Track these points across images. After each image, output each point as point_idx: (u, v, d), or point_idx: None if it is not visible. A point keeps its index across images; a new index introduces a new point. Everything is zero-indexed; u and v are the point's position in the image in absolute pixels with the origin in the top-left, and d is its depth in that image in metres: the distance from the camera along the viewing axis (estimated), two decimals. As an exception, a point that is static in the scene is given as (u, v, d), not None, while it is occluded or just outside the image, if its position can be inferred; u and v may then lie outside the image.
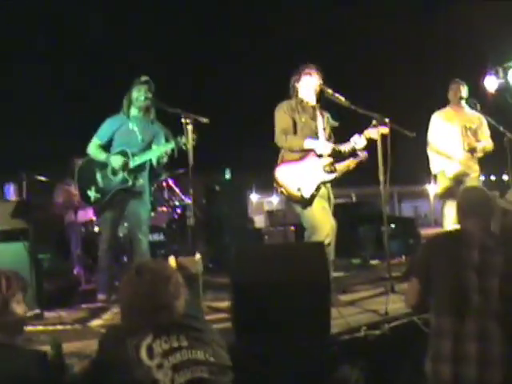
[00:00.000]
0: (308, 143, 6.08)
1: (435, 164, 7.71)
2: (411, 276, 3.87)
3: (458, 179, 7.51)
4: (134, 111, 6.41)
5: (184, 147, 5.79)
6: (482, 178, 7.74)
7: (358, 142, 6.23)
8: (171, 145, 6.11)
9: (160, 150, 6.21)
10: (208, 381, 2.79)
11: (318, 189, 6.12)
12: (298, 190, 6.05)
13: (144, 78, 6.35)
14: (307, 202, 6.10)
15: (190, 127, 5.58)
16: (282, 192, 6.12)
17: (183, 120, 5.58)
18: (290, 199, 6.20)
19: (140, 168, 6.33)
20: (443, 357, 3.48)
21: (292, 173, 6.13)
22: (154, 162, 6.31)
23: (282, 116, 6.19)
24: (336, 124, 6.54)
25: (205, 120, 5.62)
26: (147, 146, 6.40)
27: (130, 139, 6.37)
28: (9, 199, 7.31)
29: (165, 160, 6.30)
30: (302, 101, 6.31)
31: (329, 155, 6.16)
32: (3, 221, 5.88)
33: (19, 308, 2.99)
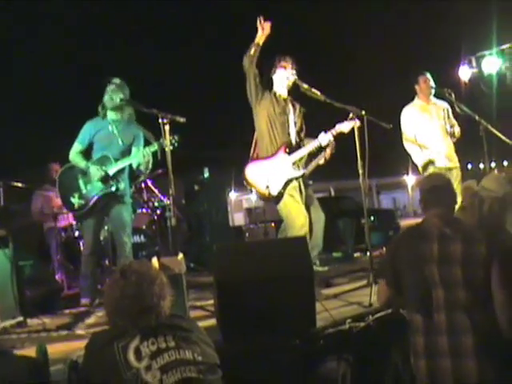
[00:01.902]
0: None
1: (419, 157, 7.70)
2: (379, 277, 3.90)
3: (445, 168, 7.53)
4: (110, 114, 6.38)
5: (167, 148, 5.79)
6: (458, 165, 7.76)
7: (323, 139, 6.34)
8: (154, 147, 6.10)
9: (141, 154, 6.20)
10: (197, 380, 2.79)
11: (285, 185, 6.19)
12: (267, 187, 6.13)
13: (115, 81, 6.34)
14: (275, 199, 6.19)
15: (167, 127, 5.57)
16: (250, 190, 6.22)
17: (160, 120, 5.56)
18: (260, 197, 6.28)
19: (120, 171, 6.32)
20: (419, 352, 3.50)
21: (261, 170, 6.23)
22: (134, 165, 6.30)
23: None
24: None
25: (182, 119, 5.61)
26: (127, 149, 6.38)
27: (110, 142, 6.34)
28: (-13, 206, 7.25)
29: (150, 164, 6.28)
30: (275, 93, 6.40)
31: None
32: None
33: None
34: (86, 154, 6.42)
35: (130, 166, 6.37)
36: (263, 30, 6.29)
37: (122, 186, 6.34)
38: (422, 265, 3.51)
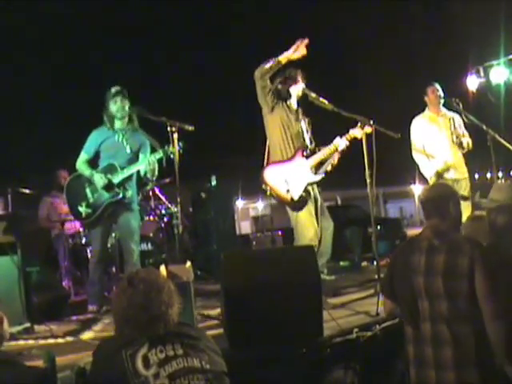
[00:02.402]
0: None
1: (428, 167, 7.67)
2: (382, 292, 3.94)
3: (452, 179, 7.52)
4: (117, 124, 6.39)
5: (172, 156, 5.79)
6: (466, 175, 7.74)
7: (340, 143, 6.33)
8: (159, 154, 6.11)
9: (147, 161, 6.21)
10: (204, 388, 2.79)
11: (305, 190, 6.17)
12: (287, 191, 6.09)
13: (115, 89, 6.33)
14: (297, 205, 6.16)
15: (175, 135, 5.58)
16: (271, 194, 6.15)
17: (169, 128, 5.57)
18: (279, 201, 6.23)
19: (128, 179, 6.33)
20: (410, 361, 3.56)
21: (279, 174, 6.18)
22: (142, 172, 6.31)
23: None
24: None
25: (190, 128, 5.62)
26: (134, 157, 6.39)
27: (116, 151, 6.36)
28: (-4, 213, 7.27)
29: (156, 171, 6.29)
30: (289, 103, 6.42)
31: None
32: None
33: (5, 320, 2.97)
34: (93, 163, 6.44)
35: (138, 173, 6.39)
36: (298, 51, 6.21)
37: (129, 193, 6.35)
38: (411, 276, 3.53)
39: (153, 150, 6.34)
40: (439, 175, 7.58)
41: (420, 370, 3.48)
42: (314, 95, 6.23)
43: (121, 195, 6.24)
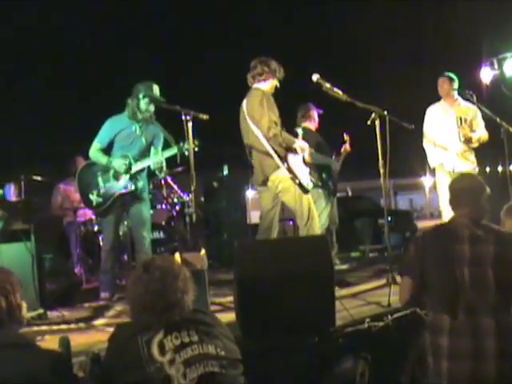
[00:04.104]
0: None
1: (433, 158, 7.71)
2: (403, 274, 3.86)
3: (456, 172, 7.52)
4: (139, 116, 6.37)
5: (186, 152, 5.79)
6: (477, 169, 7.72)
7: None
8: (171, 152, 6.14)
9: (160, 156, 6.23)
10: (219, 374, 2.81)
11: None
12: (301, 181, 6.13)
13: (156, 88, 6.34)
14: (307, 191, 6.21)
15: (190, 124, 5.58)
16: (292, 179, 6.12)
17: (183, 117, 5.57)
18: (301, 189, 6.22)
19: (140, 170, 6.36)
20: (440, 353, 3.49)
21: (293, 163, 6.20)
22: (152, 166, 6.33)
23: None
24: None
25: (205, 117, 5.62)
26: (148, 148, 6.43)
27: (131, 142, 6.39)
28: (10, 200, 7.31)
29: (164, 168, 6.32)
30: None
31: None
32: (5, 221, 5.89)
33: (23, 304, 2.99)
34: (105, 152, 6.47)
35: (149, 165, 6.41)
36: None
37: (140, 184, 6.40)
38: (453, 266, 3.50)
39: (166, 145, 6.35)
40: (441, 166, 7.61)
41: (454, 363, 3.43)
42: (328, 85, 6.20)
43: (133, 187, 6.28)
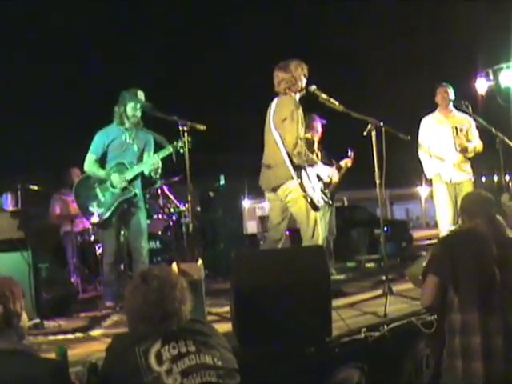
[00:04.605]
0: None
1: (429, 168, 7.75)
2: (429, 274, 3.86)
3: (453, 183, 7.56)
4: (127, 123, 6.44)
5: (181, 150, 5.82)
6: (473, 179, 7.76)
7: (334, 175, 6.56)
8: (166, 152, 6.16)
9: (155, 158, 6.26)
10: (216, 384, 2.82)
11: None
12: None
13: (140, 94, 6.40)
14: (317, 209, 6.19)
15: (187, 134, 5.61)
16: (304, 197, 6.09)
17: (180, 127, 5.60)
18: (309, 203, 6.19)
19: (134, 178, 6.38)
20: (473, 353, 3.54)
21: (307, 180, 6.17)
22: (146, 171, 6.34)
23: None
24: None
25: (202, 127, 5.65)
26: (141, 155, 6.46)
27: (124, 150, 6.42)
28: (6, 209, 7.30)
29: (159, 170, 6.32)
30: None
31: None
32: (2, 231, 5.89)
33: (24, 314, 2.99)
34: (101, 164, 6.48)
35: (142, 172, 6.42)
36: None
37: (136, 191, 6.41)
38: (485, 266, 3.63)
39: (159, 147, 6.37)
40: (438, 177, 7.64)
41: (487, 362, 3.49)
42: (324, 96, 6.22)
43: (132, 192, 6.29)
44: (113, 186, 6.32)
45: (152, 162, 6.24)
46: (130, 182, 6.34)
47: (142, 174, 6.46)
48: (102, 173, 6.39)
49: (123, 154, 6.40)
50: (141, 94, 6.42)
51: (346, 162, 8.50)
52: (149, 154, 6.44)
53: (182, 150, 5.83)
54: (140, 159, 6.44)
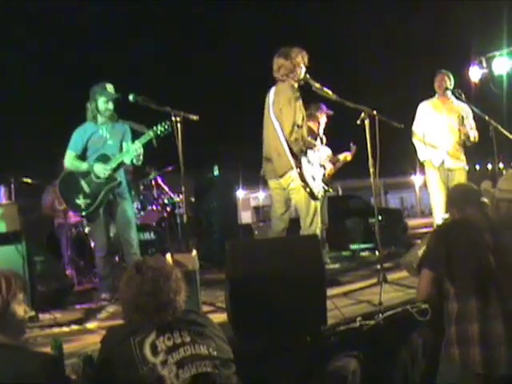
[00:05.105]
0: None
1: (422, 152, 7.77)
2: (423, 268, 3.88)
3: (445, 168, 7.57)
4: (101, 119, 6.42)
5: (162, 134, 5.82)
6: (467, 167, 7.77)
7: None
8: (146, 138, 6.10)
9: (132, 148, 6.20)
10: (212, 375, 2.82)
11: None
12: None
13: (109, 87, 6.38)
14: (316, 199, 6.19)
15: (179, 125, 5.58)
16: (303, 187, 6.10)
17: (173, 118, 5.57)
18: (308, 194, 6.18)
19: (116, 168, 6.34)
20: (472, 340, 3.54)
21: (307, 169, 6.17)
22: (128, 160, 6.30)
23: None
24: None
25: (195, 117, 5.63)
26: (120, 147, 6.44)
27: (103, 145, 6.39)
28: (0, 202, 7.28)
29: (141, 156, 6.27)
30: None
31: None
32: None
33: (20, 308, 2.95)
34: (81, 158, 6.45)
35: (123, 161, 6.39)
36: None
37: (122, 181, 6.39)
38: (481, 253, 3.64)
39: (138, 135, 6.32)
40: (430, 162, 7.66)
41: (488, 348, 3.50)
42: (317, 85, 6.21)
43: (118, 180, 6.26)
44: (97, 177, 6.28)
45: (134, 148, 6.19)
46: (114, 171, 6.30)
47: (123, 163, 6.40)
48: (84, 165, 6.35)
49: (102, 149, 6.37)
50: (110, 87, 6.39)
51: (346, 156, 8.49)
52: (127, 144, 6.40)
53: (161, 134, 5.82)
54: (121, 151, 6.41)
